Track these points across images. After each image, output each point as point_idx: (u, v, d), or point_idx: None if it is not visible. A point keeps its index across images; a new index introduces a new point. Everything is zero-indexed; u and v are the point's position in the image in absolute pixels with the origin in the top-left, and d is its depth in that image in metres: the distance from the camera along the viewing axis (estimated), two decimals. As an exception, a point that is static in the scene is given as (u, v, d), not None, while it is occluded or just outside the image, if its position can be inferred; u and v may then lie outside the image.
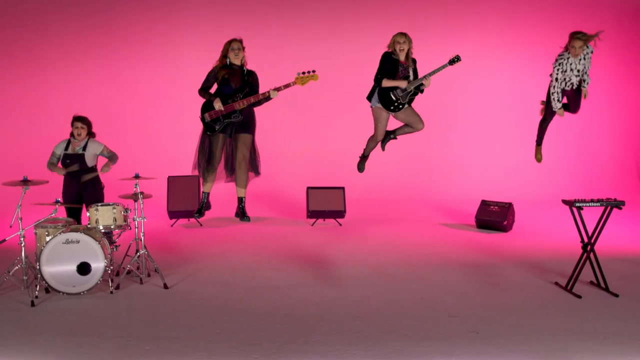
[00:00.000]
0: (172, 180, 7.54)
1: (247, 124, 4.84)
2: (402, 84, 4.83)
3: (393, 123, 6.04)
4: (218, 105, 4.71)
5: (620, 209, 4.67)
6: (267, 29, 9.40)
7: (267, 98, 4.72)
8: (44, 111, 9.07)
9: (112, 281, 4.76)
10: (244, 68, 4.93)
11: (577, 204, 4.62)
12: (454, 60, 5.05)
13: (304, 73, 4.81)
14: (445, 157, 9.39)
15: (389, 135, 5.55)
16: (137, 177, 5.13)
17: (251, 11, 9.40)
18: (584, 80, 5.21)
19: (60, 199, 4.81)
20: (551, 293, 4.71)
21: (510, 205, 7.22)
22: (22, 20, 9.11)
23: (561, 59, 5.14)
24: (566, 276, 4.91)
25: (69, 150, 5.45)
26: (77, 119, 5.49)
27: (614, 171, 9.49)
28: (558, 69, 5.17)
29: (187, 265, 5.55)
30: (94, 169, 5.59)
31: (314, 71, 4.79)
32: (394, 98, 4.94)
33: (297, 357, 3.54)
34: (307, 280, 5.08)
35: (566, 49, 5.17)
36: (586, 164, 9.45)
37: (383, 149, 5.43)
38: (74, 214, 5.64)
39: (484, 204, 7.39)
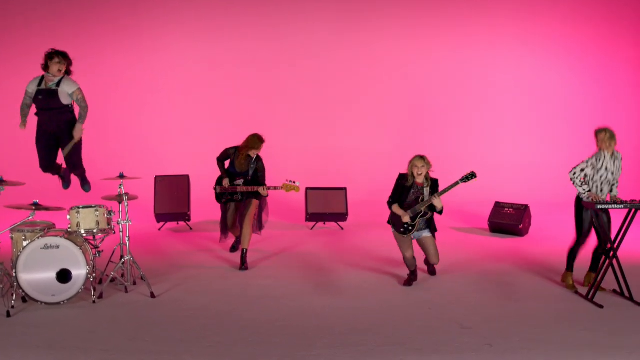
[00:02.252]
0: (159, 180, 7.53)
1: (255, 193, 5.95)
2: (405, 217, 5.18)
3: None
4: (225, 184, 5.94)
5: (646, 211, 4.66)
6: (263, 26, 9.45)
7: (261, 191, 5.93)
8: (19, 104, 9.05)
9: (94, 290, 4.74)
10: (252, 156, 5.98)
11: (600, 206, 4.61)
12: (469, 177, 5.25)
13: (290, 182, 5.93)
14: (457, 155, 9.38)
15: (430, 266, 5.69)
16: (121, 176, 5.11)
17: (245, 7, 9.43)
18: (614, 186, 5.08)
19: (37, 201, 4.77)
20: (571, 303, 4.70)
21: (526, 207, 7.22)
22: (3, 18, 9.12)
23: (598, 154, 5.02)
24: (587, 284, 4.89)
25: (42, 86, 5.28)
26: (59, 53, 5.23)
27: (637, 171, 9.48)
28: (592, 162, 5.01)
29: (176, 273, 5.53)
30: (69, 109, 5.38)
31: (297, 183, 5.96)
32: (402, 222, 5.22)
33: (295, 372, 3.53)
34: (307, 289, 5.07)
35: (598, 147, 5.08)
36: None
37: (431, 272, 5.69)
38: (48, 165, 5.50)
39: (498, 206, 7.38)
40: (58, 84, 5.21)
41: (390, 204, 5.30)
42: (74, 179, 5.76)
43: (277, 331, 4.13)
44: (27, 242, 4.67)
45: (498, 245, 6.68)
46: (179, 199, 7.44)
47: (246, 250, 5.75)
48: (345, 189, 7.62)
